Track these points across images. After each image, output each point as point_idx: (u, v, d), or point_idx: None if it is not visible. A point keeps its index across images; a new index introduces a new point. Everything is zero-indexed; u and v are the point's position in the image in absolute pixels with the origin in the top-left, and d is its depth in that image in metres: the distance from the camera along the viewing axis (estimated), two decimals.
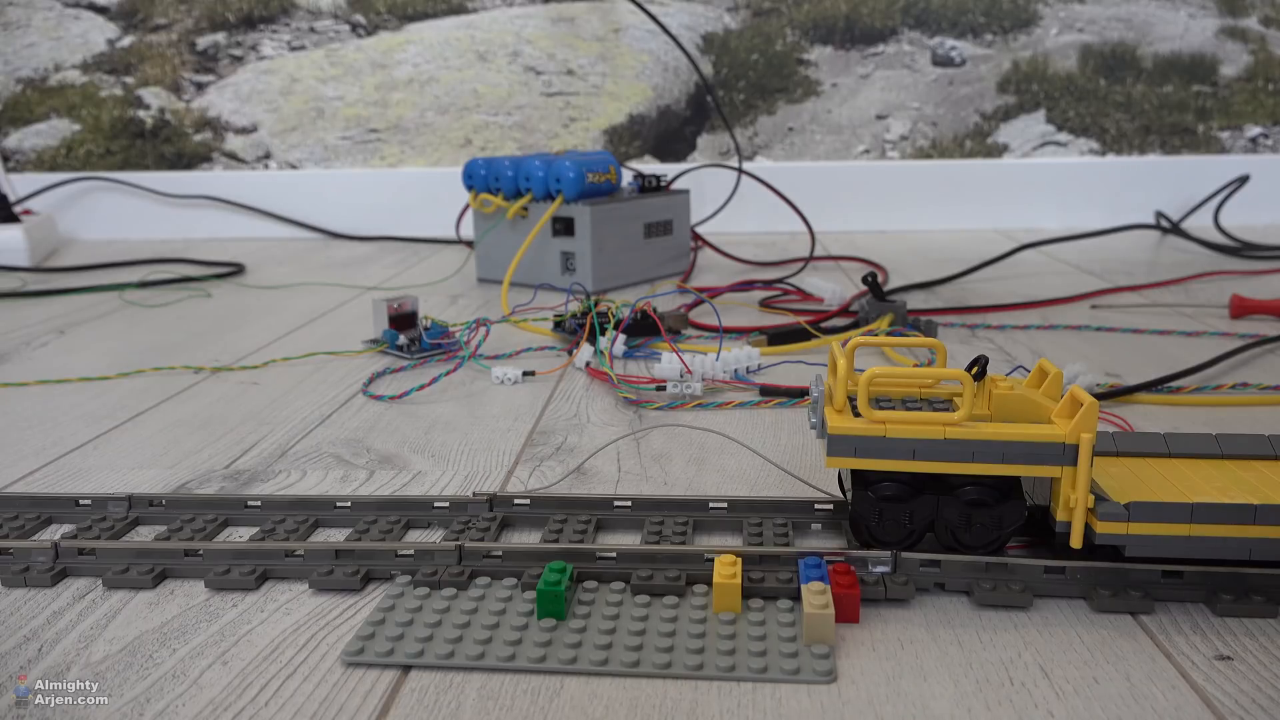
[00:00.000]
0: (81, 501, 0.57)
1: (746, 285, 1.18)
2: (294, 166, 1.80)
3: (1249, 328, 0.97)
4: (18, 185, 1.78)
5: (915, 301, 1.11)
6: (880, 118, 1.74)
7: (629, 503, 0.55)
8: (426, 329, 0.91)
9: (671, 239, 1.29)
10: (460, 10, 1.74)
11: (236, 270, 1.41)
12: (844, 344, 0.74)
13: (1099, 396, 0.74)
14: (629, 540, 0.53)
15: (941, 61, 1.72)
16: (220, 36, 1.77)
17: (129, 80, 1.78)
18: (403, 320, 0.91)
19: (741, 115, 1.74)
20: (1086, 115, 1.72)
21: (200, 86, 1.78)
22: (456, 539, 0.52)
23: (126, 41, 1.77)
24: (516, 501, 0.56)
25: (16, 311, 1.17)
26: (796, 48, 1.72)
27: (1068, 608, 0.45)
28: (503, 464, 0.64)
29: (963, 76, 1.72)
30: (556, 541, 0.51)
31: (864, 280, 0.95)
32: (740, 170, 1.48)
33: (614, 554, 0.48)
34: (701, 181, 1.61)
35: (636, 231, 1.23)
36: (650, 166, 1.74)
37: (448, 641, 0.42)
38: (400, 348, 0.90)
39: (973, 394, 0.45)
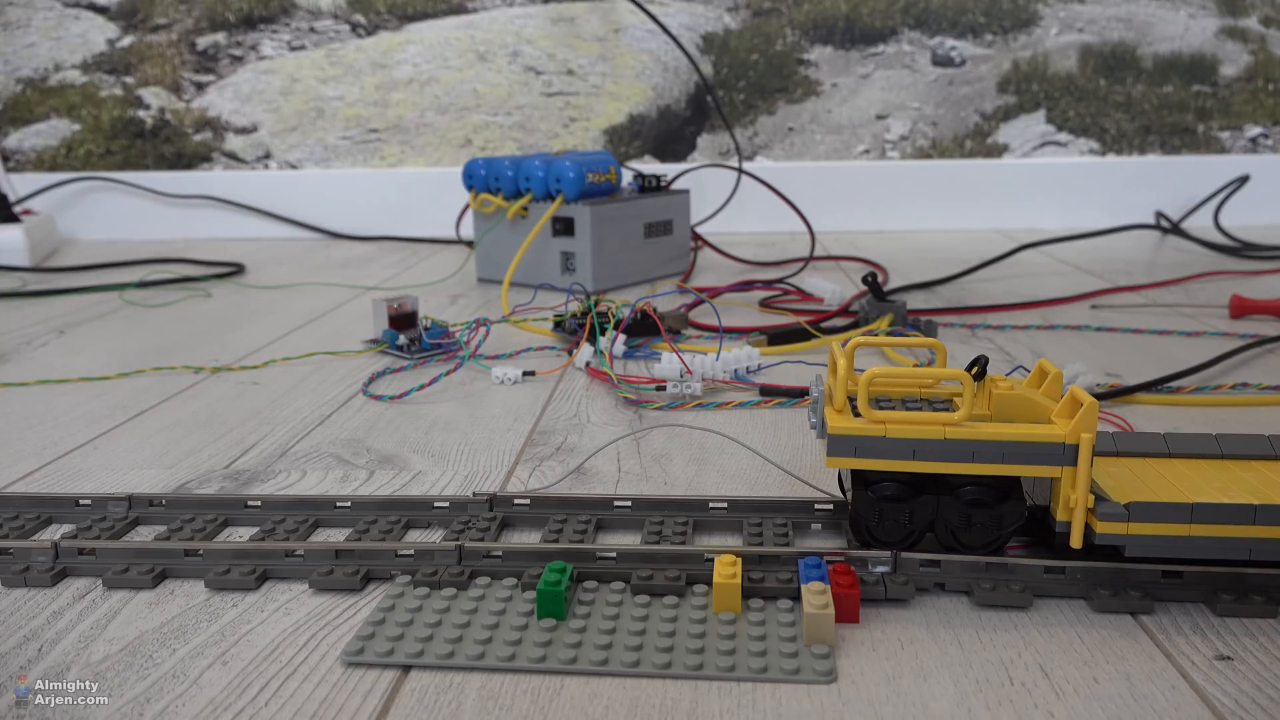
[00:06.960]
0: (81, 501, 0.56)
1: (746, 285, 1.18)
2: (294, 166, 1.80)
3: (1249, 328, 0.97)
4: (18, 185, 1.78)
5: (915, 301, 1.11)
6: (880, 118, 1.74)
7: (629, 503, 0.55)
8: (426, 329, 0.91)
9: (671, 239, 1.29)
10: (460, 10, 1.74)
11: (236, 270, 1.41)
12: (844, 344, 0.74)
13: (1099, 396, 0.74)
14: (629, 540, 0.53)
15: (941, 61, 1.72)
16: (220, 36, 1.77)
17: (129, 80, 1.78)
18: (403, 320, 0.91)
19: (741, 115, 1.74)
20: (1086, 115, 1.72)
21: (200, 86, 1.78)
22: (456, 539, 0.52)
23: (126, 41, 1.77)
24: (516, 501, 0.55)
25: (16, 311, 1.17)
26: (796, 48, 1.72)
27: (1068, 608, 0.45)
28: (503, 464, 0.64)
29: (963, 76, 1.72)
30: (556, 541, 0.51)
31: (864, 280, 0.95)
32: (740, 170, 1.48)
33: (614, 554, 0.48)
34: (701, 181, 1.61)
35: (636, 231, 1.23)
36: (650, 166, 1.74)
37: (448, 641, 0.42)
38: (400, 348, 0.90)
39: (973, 394, 0.45)
